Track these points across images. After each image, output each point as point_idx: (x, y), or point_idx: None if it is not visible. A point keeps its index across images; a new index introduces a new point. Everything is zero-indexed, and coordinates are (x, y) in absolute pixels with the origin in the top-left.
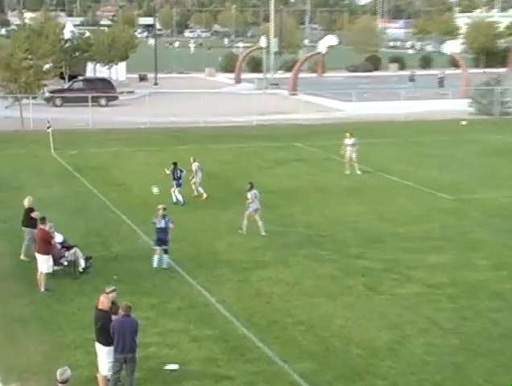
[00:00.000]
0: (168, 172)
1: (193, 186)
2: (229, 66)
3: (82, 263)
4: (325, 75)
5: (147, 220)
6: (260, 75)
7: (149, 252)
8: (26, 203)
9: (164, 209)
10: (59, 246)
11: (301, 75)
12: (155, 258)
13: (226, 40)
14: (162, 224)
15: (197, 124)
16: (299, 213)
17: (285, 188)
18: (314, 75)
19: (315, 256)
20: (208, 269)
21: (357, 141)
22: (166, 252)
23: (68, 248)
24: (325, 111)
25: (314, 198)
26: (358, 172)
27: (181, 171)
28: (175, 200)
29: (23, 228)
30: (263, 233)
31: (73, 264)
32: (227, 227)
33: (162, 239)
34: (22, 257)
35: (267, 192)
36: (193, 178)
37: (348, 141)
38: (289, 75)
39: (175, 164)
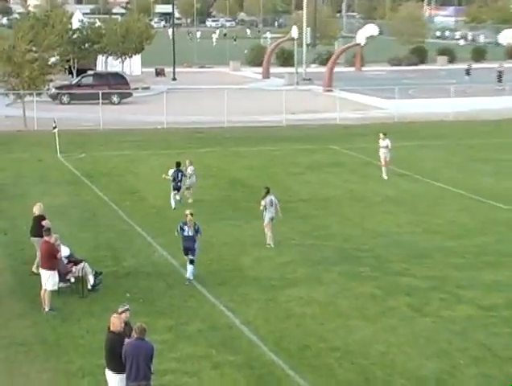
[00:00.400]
0: (170, 174)
1: (186, 192)
2: (256, 59)
3: (91, 279)
4: (364, 69)
5: (164, 232)
6: (291, 70)
7: (166, 267)
8: (37, 210)
9: (192, 214)
10: (65, 260)
11: (337, 69)
12: (188, 267)
13: (252, 31)
14: (189, 232)
15: (221, 124)
16: (335, 224)
17: (319, 196)
18: (352, 69)
19: (353, 272)
20: (232, 287)
21: (390, 143)
22: (192, 262)
23: (76, 262)
24: (364, 109)
25: (352, 207)
26: (385, 177)
27: (182, 174)
28: (174, 205)
29: (32, 239)
30: (271, 244)
31: (81, 280)
32: (253, 239)
33: (189, 247)
34: (34, 269)
35: (299, 201)
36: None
37: (383, 142)
38: (323, 69)
39: (178, 164)
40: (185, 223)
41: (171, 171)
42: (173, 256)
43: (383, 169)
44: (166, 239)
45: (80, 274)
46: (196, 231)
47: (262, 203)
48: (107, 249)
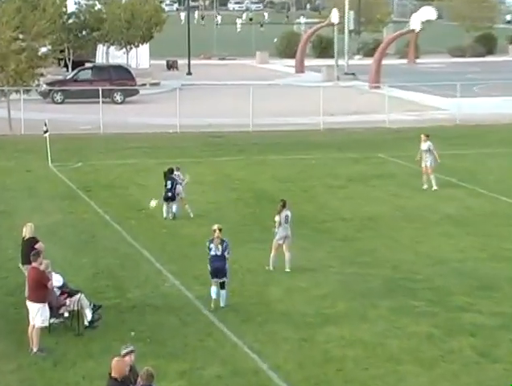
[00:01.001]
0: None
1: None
2: (287, 49)
3: (89, 314)
4: (419, 61)
5: (176, 257)
6: (330, 62)
7: (178, 299)
8: (28, 231)
9: (220, 230)
10: (57, 291)
11: (386, 61)
12: (213, 289)
13: (283, 15)
14: (218, 251)
15: (245, 127)
16: (383, 249)
17: (363, 215)
18: (404, 61)
19: (405, 307)
20: (258, 324)
21: (433, 148)
22: (223, 286)
23: (70, 294)
24: (419, 110)
25: (403, 228)
26: (427, 186)
27: (175, 183)
28: (165, 214)
29: (23, 267)
30: (287, 269)
31: (77, 315)
32: (284, 266)
33: (217, 269)
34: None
35: (338, 220)
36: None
37: (424, 145)
38: (370, 61)
39: (170, 171)
40: (212, 241)
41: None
42: (187, 287)
43: (424, 177)
44: (178, 265)
45: (76, 308)
46: (224, 249)
47: (277, 218)
48: (108, 278)
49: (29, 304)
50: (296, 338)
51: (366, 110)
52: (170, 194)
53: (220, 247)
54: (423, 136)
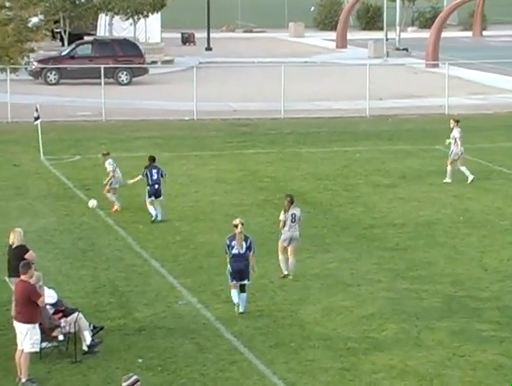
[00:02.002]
0: (139, 177)
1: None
2: (327, 20)
3: (88, 337)
4: (486, 34)
5: (192, 269)
6: (378, 35)
7: (195, 320)
8: (15, 238)
9: (242, 224)
10: (51, 310)
11: (446, 34)
12: (233, 293)
13: None
14: (241, 249)
15: (275, 114)
16: (442, 260)
17: (418, 220)
18: (468, 34)
19: (468, 331)
20: (291, 350)
21: (461, 134)
22: (243, 289)
23: (66, 313)
24: (485, 93)
25: (465, 236)
26: (470, 177)
27: (160, 172)
28: (155, 215)
29: (10, 280)
30: (287, 273)
31: (73, 338)
32: (321, 281)
33: (239, 270)
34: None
35: (388, 226)
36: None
37: (456, 132)
38: (426, 34)
39: (152, 159)
40: (233, 238)
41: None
42: (205, 305)
43: (448, 169)
44: (195, 279)
45: (72, 330)
46: (248, 247)
47: (282, 217)
48: (111, 294)
49: (17, 324)
50: (337, 368)
51: (421, 93)
52: (157, 186)
53: (243, 244)
54: (452, 121)
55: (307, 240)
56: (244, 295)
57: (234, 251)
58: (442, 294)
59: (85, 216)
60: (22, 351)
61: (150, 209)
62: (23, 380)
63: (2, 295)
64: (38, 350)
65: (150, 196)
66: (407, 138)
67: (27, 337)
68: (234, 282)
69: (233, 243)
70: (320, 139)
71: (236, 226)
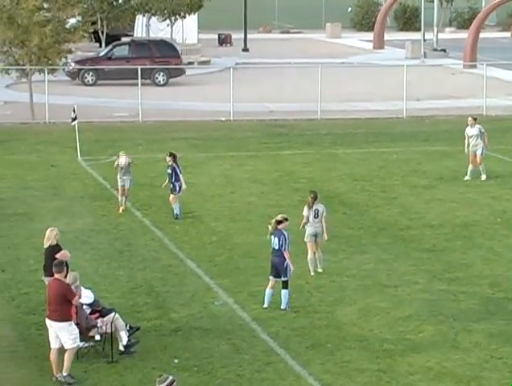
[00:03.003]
0: (169, 171)
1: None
2: (364, 21)
3: (124, 338)
4: None
5: (229, 270)
6: (416, 36)
7: (231, 321)
8: (51, 238)
9: (280, 222)
10: (87, 310)
11: (484, 34)
12: (266, 292)
13: None
14: (275, 245)
15: (312, 115)
16: (479, 262)
17: (455, 221)
18: (507, 34)
19: (506, 333)
20: (328, 351)
21: (484, 132)
22: (285, 285)
23: (102, 313)
24: None
25: (504, 237)
26: (483, 177)
27: (177, 169)
28: (177, 212)
29: (47, 279)
30: (320, 269)
31: (110, 338)
32: (358, 282)
33: (274, 265)
34: None
35: (425, 227)
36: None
37: (470, 130)
38: (464, 35)
39: (173, 156)
40: (274, 232)
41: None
42: (242, 306)
43: (469, 168)
44: (232, 280)
45: (109, 330)
46: (280, 243)
47: (305, 213)
48: (147, 294)
49: (52, 323)
50: (373, 369)
51: (459, 94)
52: (178, 184)
53: (276, 240)
54: (470, 119)
55: (343, 241)
56: (285, 292)
57: (273, 245)
58: (479, 296)
59: (122, 217)
60: (58, 349)
61: (174, 207)
62: (65, 374)
63: (40, 296)
64: (79, 344)
65: (173, 191)
66: (444, 139)
67: (66, 334)
68: (271, 277)
69: (272, 237)
70: (357, 140)
71: (279, 223)
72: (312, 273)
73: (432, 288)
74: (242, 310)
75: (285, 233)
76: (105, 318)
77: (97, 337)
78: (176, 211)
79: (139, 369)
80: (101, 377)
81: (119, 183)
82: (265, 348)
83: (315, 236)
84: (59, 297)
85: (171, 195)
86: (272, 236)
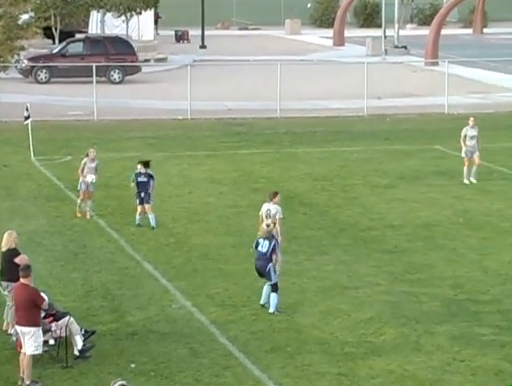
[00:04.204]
0: (132, 184)
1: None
2: (324, 17)
3: (79, 342)
4: (487, 31)
5: (186, 272)
6: (376, 33)
7: (189, 324)
8: (8, 241)
9: (270, 226)
10: (41, 314)
11: (446, 31)
12: (264, 290)
13: None
14: (264, 248)
15: (271, 113)
16: (441, 263)
17: (416, 221)
18: (468, 31)
19: (468, 335)
20: (288, 355)
21: (478, 134)
22: (273, 289)
23: (57, 316)
24: (486, 92)
25: (466, 237)
26: (472, 180)
27: (149, 177)
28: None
29: (2, 283)
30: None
31: (65, 343)
32: (318, 284)
33: (258, 269)
34: (5, 328)
35: (386, 227)
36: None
37: (471, 130)
38: (426, 31)
39: (145, 164)
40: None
41: (131, 183)
42: (200, 309)
43: (465, 169)
44: (189, 282)
45: (63, 334)
46: (273, 248)
47: (260, 212)
48: (103, 297)
49: (21, 329)
50: (334, 373)
51: (421, 92)
52: (148, 191)
53: (267, 243)
54: (472, 119)
55: (303, 242)
56: (273, 296)
57: (259, 248)
58: (442, 298)
59: (77, 218)
60: (24, 354)
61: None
62: (27, 383)
63: None
64: (40, 352)
65: (139, 203)
66: (406, 138)
67: (32, 339)
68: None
69: (260, 240)
70: (317, 139)
71: (268, 225)
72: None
73: (394, 289)
74: (200, 313)
75: (277, 239)
76: (60, 322)
77: (51, 341)
78: (154, 222)
79: (95, 374)
80: (56, 383)
81: (83, 186)
82: (223, 352)
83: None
84: (27, 303)
85: (147, 205)
86: (262, 240)
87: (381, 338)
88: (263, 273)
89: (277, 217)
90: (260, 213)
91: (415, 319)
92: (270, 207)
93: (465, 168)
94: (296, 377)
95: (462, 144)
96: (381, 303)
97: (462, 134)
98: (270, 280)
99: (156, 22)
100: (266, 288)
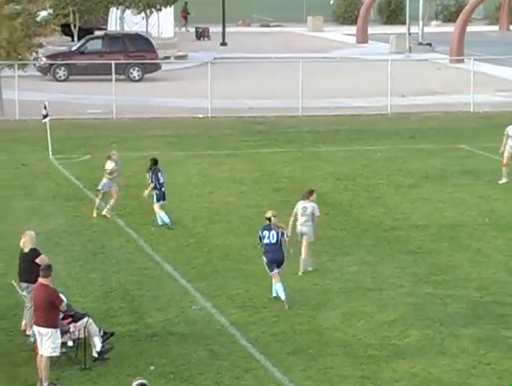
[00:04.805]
0: (149, 181)
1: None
2: (347, 14)
3: (98, 343)
4: None
5: (207, 273)
6: (401, 30)
7: (209, 326)
8: (28, 241)
9: (275, 216)
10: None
11: (471, 28)
12: (275, 287)
13: None
14: (273, 238)
15: (293, 111)
16: (466, 264)
17: (441, 222)
18: (495, 28)
19: (494, 338)
20: (309, 357)
21: None
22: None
23: (75, 318)
24: None
25: (492, 238)
26: (504, 180)
27: (162, 174)
28: (160, 222)
29: (21, 284)
30: (301, 273)
31: (83, 344)
32: (341, 285)
33: (277, 259)
34: (24, 329)
35: (411, 228)
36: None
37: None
38: (451, 28)
39: (154, 162)
40: (265, 228)
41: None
42: (220, 310)
43: (504, 170)
44: (210, 283)
45: (82, 336)
46: (282, 235)
47: (297, 209)
48: (122, 298)
49: (38, 329)
50: (357, 376)
51: (445, 90)
52: (164, 189)
53: (274, 233)
54: None
55: (325, 243)
56: (278, 285)
57: (265, 241)
58: (467, 300)
59: (96, 218)
60: (42, 356)
61: (162, 215)
62: (45, 385)
63: (8, 300)
64: (58, 354)
65: (159, 200)
66: (430, 137)
67: (49, 341)
68: (275, 271)
69: (265, 233)
70: (340, 138)
71: (269, 219)
72: (310, 269)
73: (418, 291)
74: (221, 315)
75: (283, 228)
76: (78, 323)
77: (70, 343)
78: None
79: (114, 376)
80: (74, 385)
81: (107, 187)
82: (244, 354)
83: (303, 235)
84: (46, 304)
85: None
86: (267, 232)
87: (405, 341)
88: (282, 262)
89: (314, 215)
90: (294, 211)
91: (440, 321)
92: (307, 205)
93: (504, 168)
94: (318, 380)
95: (504, 142)
96: (405, 305)
97: (506, 133)
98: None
99: (186, 19)
100: (280, 285)
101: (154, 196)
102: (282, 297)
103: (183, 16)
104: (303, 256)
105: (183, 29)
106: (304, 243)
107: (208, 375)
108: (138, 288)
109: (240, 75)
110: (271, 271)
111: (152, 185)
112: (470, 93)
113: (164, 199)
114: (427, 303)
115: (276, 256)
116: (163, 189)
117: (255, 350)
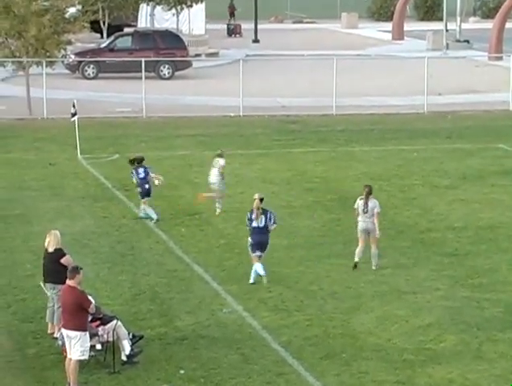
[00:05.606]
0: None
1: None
2: (382, 10)
3: (126, 347)
4: None
5: (238, 275)
6: (438, 26)
7: (240, 330)
8: (52, 241)
9: (261, 200)
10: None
11: (510, 25)
12: (255, 266)
13: None
14: (260, 222)
15: (327, 110)
16: (505, 267)
17: (479, 223)
18: None
19: None
20: (343, 362)
21: None
22: (260, 257)
23: (104, 320)
24: None
25: None
26: None
27: (145, 170)
28: (143, 214)
29: (47, 285)
30: (374, 267)
31: (112, 348)
32: (375, 289)
33: (259, 242)
34: (51, 331)
35: (447, 229)
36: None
37: None
38: (490, 25)
39: (136, 160)
40: (253, 212)
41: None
42: (251, 313)
43: None
44: (241, 286)
45: (111, 339)
46: (269, 219)
47: (356, 205)
48: (151, 301)
49: (67, 332)
50: (392, 381)
51: (484, 88)
52: (147, 186)
53: (262, 218)
54: None
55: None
56: (259, 265)
57: (254, 224)
58: (505, 303)
59: (125, 219)
60: (70, 359)
61: (149, 211)
62: None
63: (36, 302)
64: (87, 357)
65: (143, 197)
66: (468, 136)
67: (78, 344)
68: (256, 253)
69: (253, 216)
70: (374, 137)
71: (261, 200)
72: (374, 267)
73: (454, 295)
74: (252, 318)
75: (273, 212)
76: (107, 326)
77: (98, 346)
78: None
79: (143, 380)
80: None
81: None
82: (276, 358)
83: (364, 232)
84: (74, 306)
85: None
86: (254, 215)
87: (440, 346)
88: (265, 246)
89: (375, 211)
90: (355, 207)
91: (477, 326)
92: (369, 202)
93: None
94: (352, 385)
95: None
96: (441, 309)
97: None
98: (263, 251)
99: (232, 15)
100: (259, 265)
101: (138, 194)
102: (262, 272)
103: (230, 12)
104: (372, 250)
105: (232, 23)
106: (372, 239)
107: (239, 379)
108: (168, 290)
109: (272, 73)
110: (253, 253)
111: (134, 182)
112: (509, 92)
113: (149, 196)
114: (464, 307)
115: (261, 239)
116: (146, 186)
117: (287, 354)
